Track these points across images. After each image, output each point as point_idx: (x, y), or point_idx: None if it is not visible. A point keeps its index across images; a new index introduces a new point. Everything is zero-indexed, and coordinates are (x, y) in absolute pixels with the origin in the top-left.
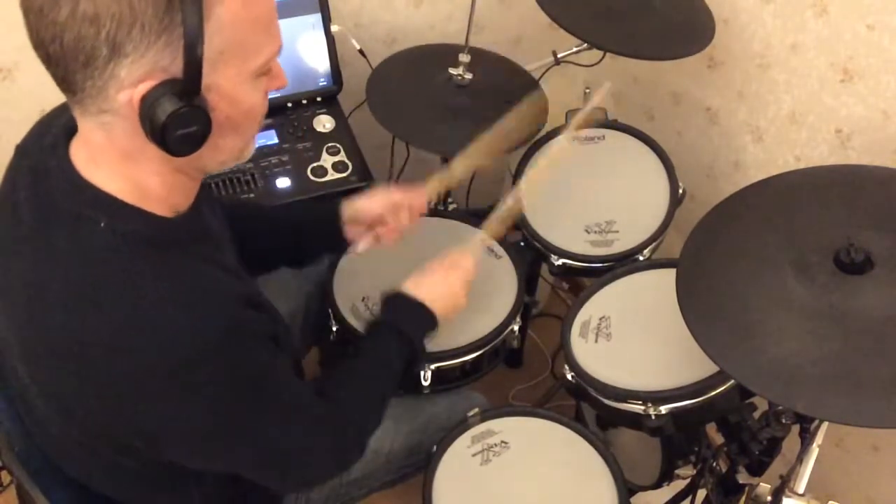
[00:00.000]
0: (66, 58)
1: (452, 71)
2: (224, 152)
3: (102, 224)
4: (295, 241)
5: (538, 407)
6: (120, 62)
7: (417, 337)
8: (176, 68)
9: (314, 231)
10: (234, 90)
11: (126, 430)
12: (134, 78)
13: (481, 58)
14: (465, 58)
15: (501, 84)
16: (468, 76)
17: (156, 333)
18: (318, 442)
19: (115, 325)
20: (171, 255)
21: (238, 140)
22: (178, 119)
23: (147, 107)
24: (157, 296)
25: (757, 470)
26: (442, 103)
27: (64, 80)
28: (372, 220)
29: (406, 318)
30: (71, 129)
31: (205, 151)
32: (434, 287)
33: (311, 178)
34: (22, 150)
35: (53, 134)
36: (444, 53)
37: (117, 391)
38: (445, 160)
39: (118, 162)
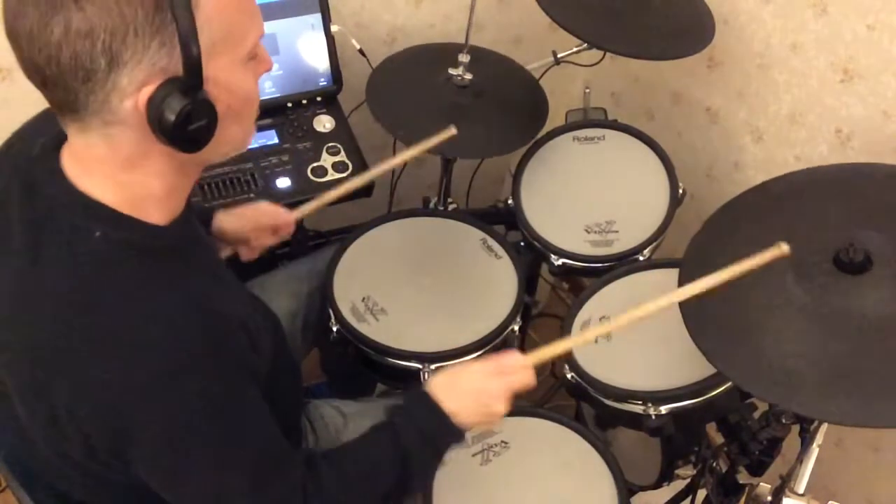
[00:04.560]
0: (64, 78)
1: (452, 71)
2: (227, 143)
3: (97, 234)
4: None
5: (538, 407)
6: (120, 71)
7: (422, 461)
8: (174, 66)
9: None
10: (230, 79)
11: (99, 440)
12: (135, 84)
13: (481, 57)
14: (464, 58)
15: (501, 84)
16: (468, 76)
17: (136, 345)
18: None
19: (99, 334)
20: (165, 264)
21: (240, 129)
22: (187, 115)
23: (154, 109)
24: (143, 307)
25: (757, 470)
26: (442, 103)
27: (65, 102)
28: (236, 240)
29: (418, 439)
30: (59, 139)
31: (210, 145)
32: (465, 396)
33: (311, 178)
34: (8, 162)
35: (42, 145)
36: (444, 53)
37: (100, 400)
38: (447, 161)
39: (117, 172)
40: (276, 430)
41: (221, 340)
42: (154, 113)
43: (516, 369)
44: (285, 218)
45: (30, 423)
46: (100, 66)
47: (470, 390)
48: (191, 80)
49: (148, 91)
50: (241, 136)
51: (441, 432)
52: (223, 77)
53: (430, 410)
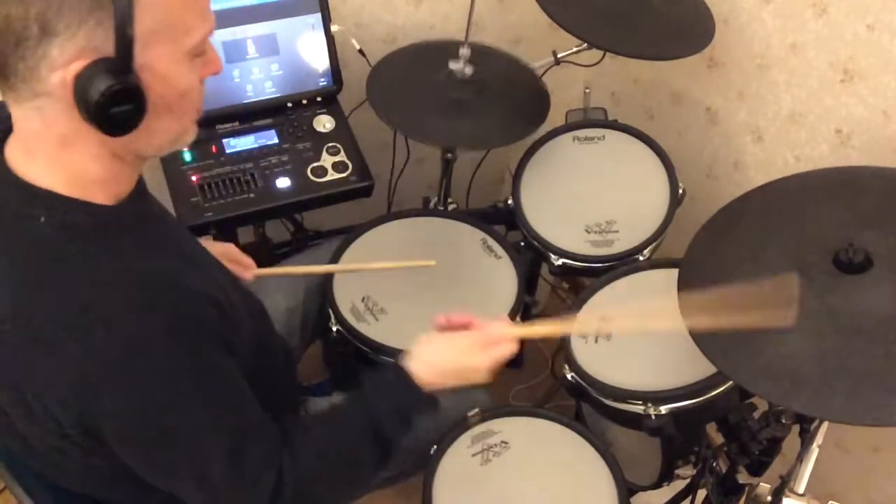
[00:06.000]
0: None
1: (453, 65)
2: (159, 136)
3: (42, 219)
4: None
5: (538, 407)
6: (51, 41)
7: (395, 432)
8: (108, 47)
9: None
10: (167, 70)
11: (72, 426)
12: (66, 57)
13: (481, 52)
14: (465, 51)
15: (502, 77)
16: (469, 70)
17: (99, 322)
18: (256, 471)
19: (60, 316)
20: (116, 241)
21: (173, 123)
22: (112, 97)
23: (80, 86)
24: (101, 284)
25: (757, 470)
26: (443, 98)
27: None
28: None
29: (393, 415)
30: (5, 131)
31: (140, 134)
32: (447, 374)
33: (311, 178)
34: None
35: None
36: (444, 49)
37: (64, 382)
38: (447, 161)
39: (55, 150)
40: (253, 402)
41: (181, 312)
42: (80, 89)
43: (501, 341)
44: (243, 271)
45: (13, 417)
46: (32, 32)
47: (453, 369)
48: (121, 61)
49: (77, 67)
50: (175, 131)
51: (416, 407)
52: (160, 67)
53: (406, 388)
